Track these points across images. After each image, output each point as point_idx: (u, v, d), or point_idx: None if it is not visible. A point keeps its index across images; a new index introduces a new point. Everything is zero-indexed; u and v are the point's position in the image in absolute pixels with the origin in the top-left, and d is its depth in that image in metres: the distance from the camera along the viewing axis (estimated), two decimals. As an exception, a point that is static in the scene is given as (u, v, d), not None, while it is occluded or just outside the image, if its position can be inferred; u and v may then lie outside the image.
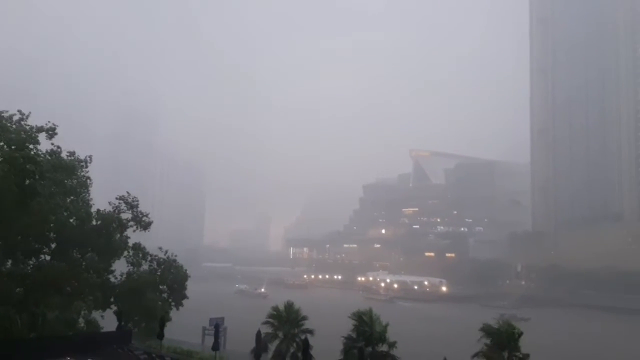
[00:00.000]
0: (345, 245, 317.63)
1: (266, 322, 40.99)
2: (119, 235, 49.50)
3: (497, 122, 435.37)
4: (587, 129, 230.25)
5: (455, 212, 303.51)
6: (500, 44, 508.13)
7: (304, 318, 41.11)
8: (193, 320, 66.69)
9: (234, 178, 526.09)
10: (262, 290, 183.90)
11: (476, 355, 31.95)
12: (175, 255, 57.37)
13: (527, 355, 31.76)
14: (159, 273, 54.62)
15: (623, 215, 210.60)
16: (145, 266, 53.92)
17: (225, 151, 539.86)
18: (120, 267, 52.23)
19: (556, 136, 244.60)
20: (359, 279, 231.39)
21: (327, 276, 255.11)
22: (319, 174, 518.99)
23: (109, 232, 48.05)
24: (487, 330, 32.54)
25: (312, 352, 37.09)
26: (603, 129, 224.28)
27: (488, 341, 32.42)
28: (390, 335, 35.53)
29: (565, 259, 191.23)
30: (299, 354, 38.02)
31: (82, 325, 48.98)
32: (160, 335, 46.67)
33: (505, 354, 31.83)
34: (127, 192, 51.92)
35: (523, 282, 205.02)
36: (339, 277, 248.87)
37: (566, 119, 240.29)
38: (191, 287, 57.59)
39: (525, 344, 32.81)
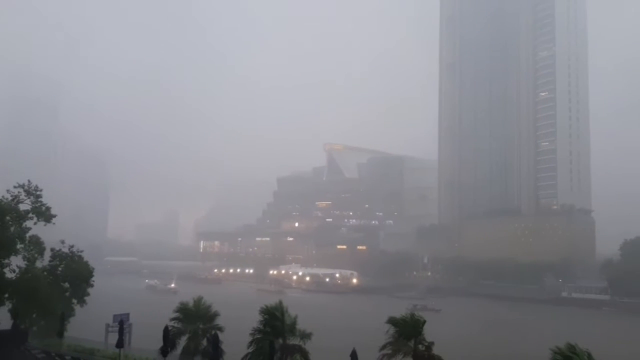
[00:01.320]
0: (258, 239, 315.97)
1: (174, 319, 39.60)
2: (13, 228, 46.02)
3: (409, 118, 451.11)
4: (490, 127, 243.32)
5: (367, 205, 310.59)
6: (414, 43, 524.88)
7: (216, 314, 40.14)
8: (97, 317, 63.44)
9: (141, 170, 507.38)
10: (172, 285, 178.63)
11: (384, 346, 32.43)
12: (82, 251, 54.50)
13: (432, 343, 32.63)
14: (60, 269, 51.52)
15: (520, 210, 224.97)
16: (44, 261, 50.66)
17: (132, 142, 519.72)
18: (20, 261, 48.75)
19: (462, 133, 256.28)
20: (271, 272, 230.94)
21: (238, 270, 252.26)
22: (232, 166, 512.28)
23: (4, 224, 44.51)
24: (393, 321, 33.12)
25: (223, 347, 36.27)
26: (505, 128, 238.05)
27: (394, 332, 33.00)
28: (303, 328, 35.45)
29: (468, 250, 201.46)
30: (210, 350, 37.06)
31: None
32: (60, 333, 43.96)
33: (412, 344, 32.51)
34: (29, 181, 48.48)
35: (429, 274, 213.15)
36: (251, 270, 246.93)
37: (471, 116, 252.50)
38: (94, 283, 54.83)
39: (434, 333, 33.81)
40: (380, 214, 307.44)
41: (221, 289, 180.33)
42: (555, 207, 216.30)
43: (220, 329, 38.91)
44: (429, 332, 33.31)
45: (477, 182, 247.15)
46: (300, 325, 35.26)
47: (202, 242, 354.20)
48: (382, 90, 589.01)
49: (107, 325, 61.17)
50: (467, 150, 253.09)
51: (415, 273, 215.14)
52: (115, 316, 58.41)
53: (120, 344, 39.38)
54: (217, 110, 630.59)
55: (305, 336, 34.77)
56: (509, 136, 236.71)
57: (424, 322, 32.92)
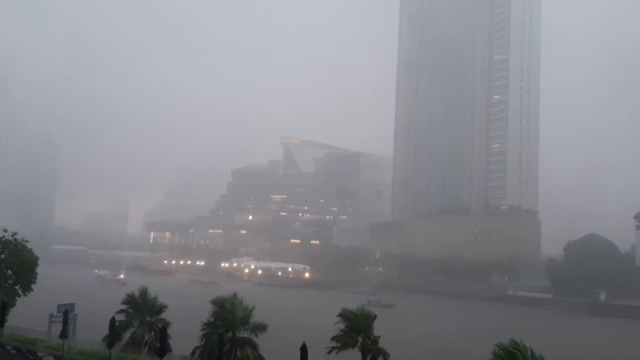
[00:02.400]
0: (210, 231, 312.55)
1: (121, 311, 38.69)
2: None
3: (366, 115, 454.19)
4: (445, 127, 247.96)
5: (322, 200, 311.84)
6: (373, 40, 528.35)
7: (162, 306, 39.39)
8: (40, 307, 61.53)
9: (90, 157, 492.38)
10: (122, 276, 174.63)
11: (334, 339, 32.74)
12: (27, 241, 52.66)
13: (378, 337, 33.18)
14: (3, 256, 49.61)
15: (471, 210, 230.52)
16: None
17: (81, 127, 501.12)
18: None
19: (417, 131, 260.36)
20: (223, 265, 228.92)
21: (189, 262, 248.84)
22: (185, 156, 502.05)
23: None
24: (344, 315, 33.47)
25: (171, 340, 35.70)
26: (459, 128, 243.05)
27: (344, 326, 33.37)
28: (254, 321, 35.30)
29: (420, 248, 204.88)
30: (156, 343, 36.38)
31: None
32: (1, 323, 42.20)
33: (360, 338, 32.96)
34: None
35: (381, 269, 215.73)
36: (202, 263, 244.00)
37: (427, 115, 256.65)
38: (39, 271, 53.08)
39: (385, 327, 34.34)
40: (335, 209, 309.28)
41: (172, 281, 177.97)
42: (504, 207, 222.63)
43: (168, 322, 38.28)
44: (381, 327, 33.83)
45: (430, 181, 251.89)
46: (251, 319, 35.09)
47: (152, 232, 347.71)
48: (341, 86, 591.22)
49: (51, 316, 59.49)
50: (422, 149, 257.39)
51: (367, 269, 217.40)
52: (59, 306, 56.81)
53: (64, 334, 38.28)
54: (171, 100, 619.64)
55: (261, 328, 34.57)
56: (463, 137, 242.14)
57: (375, 316, 33.42)
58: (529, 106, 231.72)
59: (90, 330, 48.50)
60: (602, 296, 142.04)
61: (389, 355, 32.55)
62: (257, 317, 35.71)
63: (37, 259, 53.05)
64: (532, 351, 23.32)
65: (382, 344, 33.11)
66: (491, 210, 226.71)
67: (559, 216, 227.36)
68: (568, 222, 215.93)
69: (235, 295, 35.48)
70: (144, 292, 39.16)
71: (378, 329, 33.77)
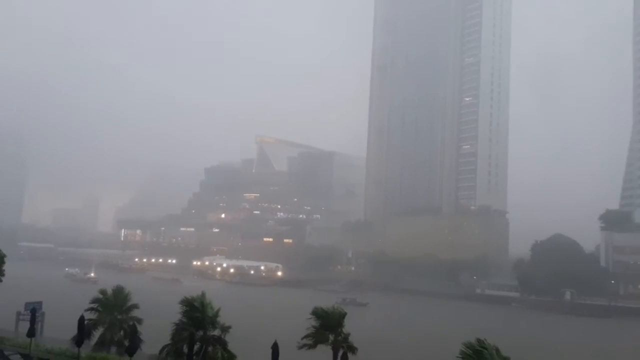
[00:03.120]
0: (182, 229, 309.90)
1: (89, 309, 38.57)
2: None
3: (340, 115, 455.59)
4: (417, 128, 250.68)
5: (296, 199, 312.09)
6: (348, 41, 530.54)
7: (134, 305, 39.39)
8: (7, 305, 60.61)
9: (60, 152, 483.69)
10: (92, 275, 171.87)
11: (305, 337, 33.31)
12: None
13: (348, 334, 33.90)
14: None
15: (442, 210, 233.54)
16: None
17: (51, 123, 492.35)
18: None
19: (390, 132, 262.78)
20: (195, 263, 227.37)
21: (160, 260, 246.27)
22: (158, 153, 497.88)
23: None
24: (317, 313, 34.10)
25: (142, 338, 35.75)
26: (431, 129, 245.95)
27: (317, 324, 33.99)
28: (224, 321, 35.59)
29: (392, 247, 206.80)
30: (126, 342, 36.41)
31: None
32: (-35, 321, 41.63)
33: (332, 336, 33.63)
34: None
35: (353, 268, 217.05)
36: (174, 261, 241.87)
37: (400, 116, 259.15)
38: (6, 269, 52.24)
39: (356, 325, 35.06)
40: (308, 208, 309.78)
41: (135, 278, 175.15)
42: (473, 207, 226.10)
43: (139, 320, 38.29)
44: (355, 324, 34.55)
45: (402, 181, 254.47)
46: (223, 317, 35.40)
47: (123, 230, 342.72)
48: (316, 86, 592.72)
49: (19, 314, 58.65)
50: (395, 149, 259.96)
51: (339, 267, 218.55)
52: (27, 304, 56.14)
53: (31, 332, 37.94)
54: (144, 98, 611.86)
55: (225, 329, 34.94)
56: (434, 138, 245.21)
57: (345, 314, 34.14)
58: (498, 108, 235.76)
59: (59, 329, 48.06)
60: (567, 295, 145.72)
61: (357, 350, 33.36)
62: (228, 316, 36.02)
63: (3, 256, 52.24)
64: (497, 349, 24.28)
65: (355, 341, 33.93)
66: (461, 210, 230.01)
67: (527, 216, 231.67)
68: (535, 222, 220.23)
69: (203, 294, 35.77)
70: (117, 290, 39.10)
71: (353, 326, 34.52)
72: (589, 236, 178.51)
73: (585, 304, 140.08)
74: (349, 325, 34.68)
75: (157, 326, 37.51)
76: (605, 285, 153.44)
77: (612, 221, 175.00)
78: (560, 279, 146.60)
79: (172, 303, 36.50)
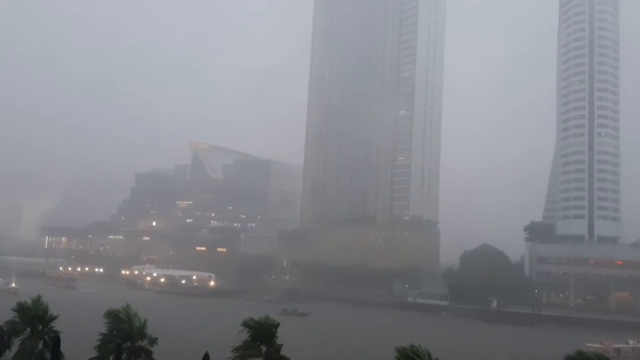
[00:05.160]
0: (111, 237, 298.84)
1: (9, 321, 36.16)
2: None
3: (277, 122, 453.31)
4: (354, 139, 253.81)
5: (231, 207, 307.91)
6: (286, 50, 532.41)
7: (51, 317, 37.14)
8: None
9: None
10: (13, 285, 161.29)
11: (236, 349, 32.37)
12: None
13: (281, 345, 33.26)
14: None
15: (376, 219, 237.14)
16: None
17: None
18: None
19: (328, 141, 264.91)
20: (123, 272, 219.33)
21: (87, 269, 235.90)
22: (85, 157, 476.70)
23: None
24: (248, 324, 33.25)
25: (66, 350, 33.86)
26: (367, 140, 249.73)
27: (248, 335, 33.14)
28: (152, 332, 34.28)
29: (327, 255, 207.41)
30: (47, 353, 34.38)
31: None
32: None
33: (264, 347, 32.89)
34: None
35: (287, 277, 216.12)
36: (101, 270, 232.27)
37: (337, 126, 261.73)
38: None
39: (294, 335, 34.46)
40: (243, 216, 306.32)
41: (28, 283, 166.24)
42: (406, 217, 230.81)
43: (57, 332, 36.20)
44: (291, 335, 33.90)
45: (338, 190, 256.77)
46: (152, 328, 34.05)
47: (47, 237, 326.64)
48: (253, 92, 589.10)
49: None
50: (331, 159, 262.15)
51: (274, 276, 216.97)
52: None
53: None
54: (71, 97, 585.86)
55: (152, 341, 33.66)
56: (370, 149, 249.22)
57: (278, 324, 33.46)
58: (431, 122, 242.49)
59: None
60: (494, 304, 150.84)
61: (289, 360, 32.70)
62: (159, 326, 34.69)
63: None
64: (429, 353, 24.71)
65: (289, 352, 33.29)
66: (395, 220, 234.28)
67: (457, 226, 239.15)
68: (465, 231, 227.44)
69: (128, 305, 34.37)
70: (36, 300, 36.89)
71: (291, 337, 33.85)
72: (515, 246, 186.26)
73: (511, 312, 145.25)
74: (290, 336, 34.02)
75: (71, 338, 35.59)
76: (529, 294, 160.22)
77: (536, 232, 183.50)
78: (488, 287, 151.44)
79: (72, 312, 34.66)
